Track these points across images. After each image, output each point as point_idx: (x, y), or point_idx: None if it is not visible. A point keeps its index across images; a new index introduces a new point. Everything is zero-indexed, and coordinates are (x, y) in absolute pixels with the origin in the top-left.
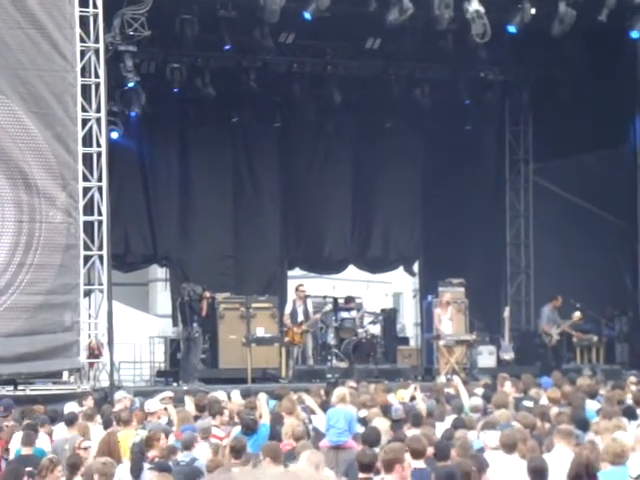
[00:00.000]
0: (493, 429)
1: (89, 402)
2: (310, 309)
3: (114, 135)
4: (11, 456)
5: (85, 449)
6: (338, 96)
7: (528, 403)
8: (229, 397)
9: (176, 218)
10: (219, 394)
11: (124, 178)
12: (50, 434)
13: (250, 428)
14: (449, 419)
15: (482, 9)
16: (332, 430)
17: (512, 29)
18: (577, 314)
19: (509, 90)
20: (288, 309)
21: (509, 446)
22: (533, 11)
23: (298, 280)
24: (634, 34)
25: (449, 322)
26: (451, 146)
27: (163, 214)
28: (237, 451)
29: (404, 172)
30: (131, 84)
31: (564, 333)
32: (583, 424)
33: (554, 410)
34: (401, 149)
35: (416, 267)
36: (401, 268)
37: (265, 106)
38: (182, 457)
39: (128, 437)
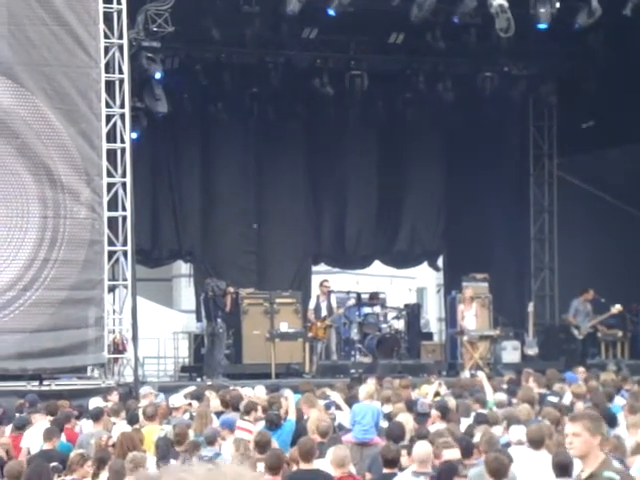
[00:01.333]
0: (517, 424)
1: (114, 397)
2: (334, 304)
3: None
4: (33, 451)
5: (113, 445)
6: (362, 90)
7: (553, 398)
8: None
9: (200, 214)
10: (246, 390)
11: (149, 173)
12: (75, 429)
13: (274, 423)
14: (474, 414)
15: (506, 3)
16: (358, 426)
17: (542, 25)
18: (617, 306)
19: (533, 85)
20: (312, 304)
21: (537, 442)
22: (558, 5)
23: (322, 275)
24: None
25: (473, 317)
26: (475, 141)
27: (187, 210)
28: (262, 446)
29: (428, 167)
30: (157, 76)
31: (594, 327)
32: (610, 419)
33: (579, 405)
34: (425, 144)
35: (440, 262)
36: (425, 263)
37: (289, 101)
38: (206, 452)
39: (153, 432)
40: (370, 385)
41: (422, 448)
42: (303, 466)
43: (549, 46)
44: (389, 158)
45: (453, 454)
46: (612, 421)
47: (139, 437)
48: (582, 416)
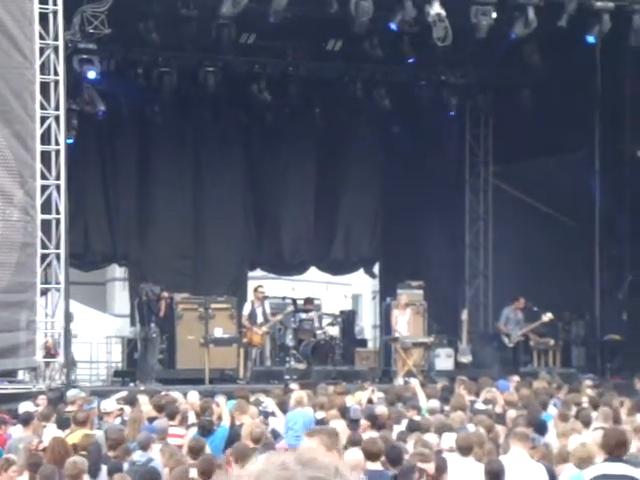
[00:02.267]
0: (450, 431)
1: (42, 401)
2: (268, 310)
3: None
4: None
5: (43, 450)
6: (300, 97)
7: (482, 406)
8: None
9: (136, 218)
10: (175, 394)
11: (83, 176)
12: (6, 434)
13: (206, 429)
14: (406, 422)
15: (443, 12)
16: (290, 432)
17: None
18: (548, 315)
19: (469, 93)
20: (246, 310)
21: (465, 449)
22: (495, 15)
23: (257, 281)
24: (590, 39)
25: (406, 324)
26: (411, 148)
27: (123, 213)
28: (195, 452)
29: (365, 174)
30: (91, 77)
31: (524, 335)
32: (540, 427)
33: (511, 413)
34: (362, 151)
35: (376, 269)
36: (361, 270)
37: (227, 106)
38: (138, 457)
39: (82, 437)
40: (300, 392)
41: (353, 455)
42: (237, 471)
43: (486, 55)
44: (327, 165)
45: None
46: (542, 429)
47: (63, 442)
48: (320, 431)
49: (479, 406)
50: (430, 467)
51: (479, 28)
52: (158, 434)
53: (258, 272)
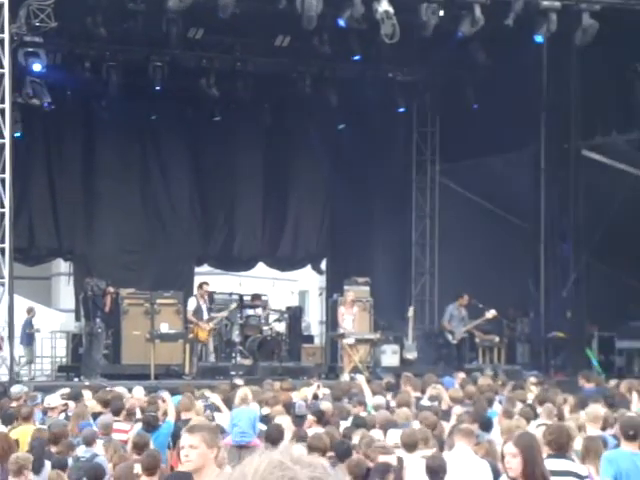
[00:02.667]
0: (394, 428)
1: None
2: (209, 307)
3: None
4: None
5: None
6: (248, 92)
7: (427, 402)
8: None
9: (81, 212)
10: (120, 390)
11: (28, 170)
12: None
13: (151, 424)
14: (352, 418)
15: (392, 10)
16: (235, 429)
17: (424, 33)
18: (492, 312)
19: (416, 91)
20: (192, 306)
21: (410, 445)
22: (442, 13)
23: (204, 277)
24: (538, 39)
25: (352, 321)
26: (359, 145)
27: (68, 208)
28: (140, 447)
29: (313, 170)
30: (37, 70)
31: (468, 332)
32: (485, 424)
33: (456, 409)
34: (310, 147)
35: (324, 265)
36: (309, 266)
37: (173, 100)
38: (82, 453)
39: (27, 432)
40: (244, 390)
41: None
42: (181, 468)
43: (433, 53)
44: (274, 160)
45: (389, 460)
46: (488, 426)
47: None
48: (200, 427)
49: (425, 402)
50: (393, 459)
51: (427, 26)
52: (102, 429)
53: (205, 268)
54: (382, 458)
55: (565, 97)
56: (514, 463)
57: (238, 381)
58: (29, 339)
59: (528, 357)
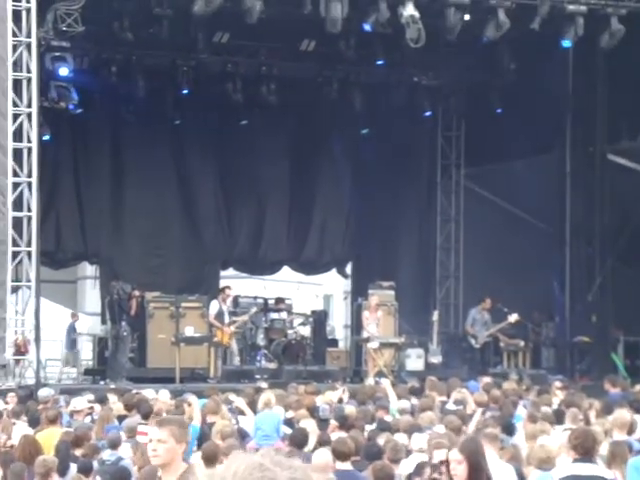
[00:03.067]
0: (419, 432)
1: (12, 399)
2: (231, 311)
3: (45, 135)
4: None
5: (11, 447)
6: (273, 97)
7: (452, 407)
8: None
9: (108, 216)
10: (147, 392)
11: (55, 174)
12: None
13: None
14: (377, 422)
15: (417, 14)
16: (259, 432)
17: (449, 37)
18: (515, 316)
19: (442, 95)
20: (214, 309)
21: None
22: (467, 17)
23: (229, 280)
24: (565, 43)
25: (376, 325)
26: (384, 150)
27: (94, 211)
28: None
29: (338, 174)
30: (65, 77)
31: (492, 336)
32: (509, 428)
33: (476, 414)
34: (335, 151)
35: (349, 269)
36: (334, 270)
37: (199, 105)
38: (107, 456)
39: (53, 435)
40: (267, 394)
41: (322, 456)
42: (207, 471)
43: (458, 57)
44: (300, 164)
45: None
46: (511, 430)
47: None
48: (169, 421)
49: (450, 407)
50: (444, 453)
51: (452, 30)
52: (127, 432)
53: (230, 271)
54: (339, 466)
55: (591, 101)
56: (459, 470)
57: (263, 384)
58: (73, 344)
59: (553, 361)
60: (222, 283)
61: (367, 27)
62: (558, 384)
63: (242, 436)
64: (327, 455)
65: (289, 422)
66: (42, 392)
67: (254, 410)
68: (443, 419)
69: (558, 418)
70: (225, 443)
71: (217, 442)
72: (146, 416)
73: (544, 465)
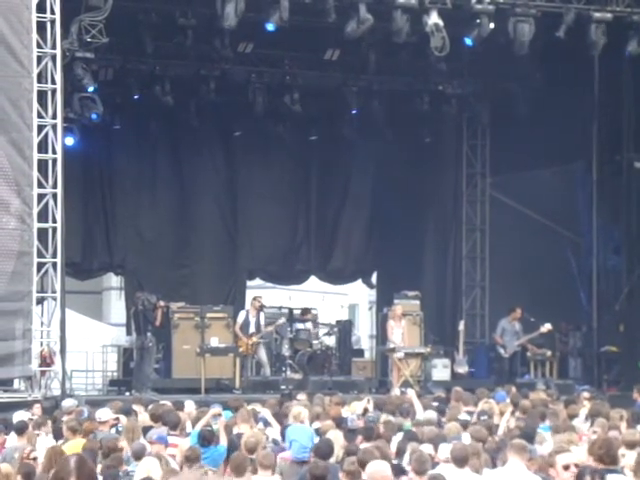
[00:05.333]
0: (444, 442)
1: (37, 410)
2: (262, 322)
3: (69, 141)
4: None
5: (34, 459)
6: (297, 106)
7: (481, 417)
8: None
9: (132, 227)
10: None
11: (81, 185)
12: (3, 443)
13: (206, 439)
14: (402, 433)
15: (441, 22)
16: (295, 445)
17: (469, 42)
18: (547, 326)
19: (467, 103)
20: (240, 319)
21: (460, 460)
22: (492, 25)
23: (255, 290)
24: (593, 52)
25: (401, 334)
26: (409, 159)
27: (119, 222)
28: (191, 461)
29: (363, 183)
30: (90, 89)
31: (521, 346)
32: (531, 439)
33: (509, 423)
34: (360, 161)
35: (374, 279)
36: (359, 280)
37: (223, 115)
38: (133, 468)
39: (77, 447)
40: (298, 408)
41: (378, 467)
42: None
43: (483, 66)
44: (324, 174)
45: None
46: (532, 440)
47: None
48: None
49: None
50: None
51: (476, 38)
52: (158, 443)
53: (256, 281)
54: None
55: (617, 109)
56: None
57: (300, 396)
58: None
59: (580, 371)
60: (248, 293)
61: (395, 38)
62: (586, 394)
63: (274, 447)
64: (385, 466)
65: (316, 433)
66: (66, 403)
67: (279, 421)
68: (468, 429)
69: (585, 428)
70: (251, 454)
71: (244, 453)
72: (174, 427)
73: None
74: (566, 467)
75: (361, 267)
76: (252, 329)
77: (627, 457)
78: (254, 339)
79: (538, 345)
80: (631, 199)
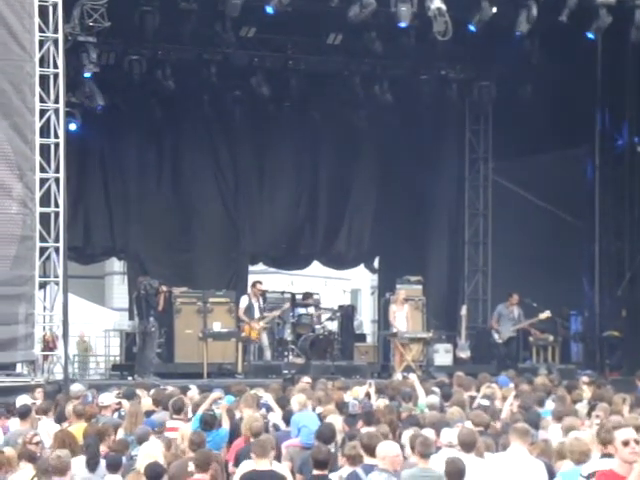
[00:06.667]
0: (447, 427)
1: (39, 394)
2: (263, 306)
3: (72, 127)
4: None
5: (37, 444)
6: (300, 91)
7: (484, 402)
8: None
9: (135, 211)
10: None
11: (83, 170)
12: (3, 426)
13: (209, 424)
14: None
15: (444, 7)
16: (305, 430)
17: (472, 27)
18: (546, 313)
19: (469, 88)
20: (243, 304)
21: (468, 444)
22: (494, 10)
23: (257, 275)
24: (590, 35)
25: (404, 319)
26: (411, 143)
27: (122, 207)
28: (197, 445)
29: (365, 168)
30: (88, 74)
31: (520, 331)
32: (535, 423)
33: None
34: (361, 146)
35: (377, 264)
36: (362, 265)
37: (225, 99)
38: (136, 452)
39: (81, 430)
40: (301, 395)
41: (389, 447)
42: (259, 465)
43: (485, 50)
44: (326, 159)
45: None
46: (537, 425)
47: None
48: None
49: (482, 402)
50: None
51: (479, 23)
52: (157, 427)
53: (257, 266)
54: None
55: (620, 93)
56: None
57: (306, 379)
58: None
59: (582, 356)
60: (250, 278)
61: (399, 24)
62: (585, 379)
63: (275, 431)
64: (395, 446)
65: (318, 418)
66: (74, 387)
67: (282, 406)
68: (469, 414)
69: (589, 413)
70: (255, 437)
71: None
72: (178, 411)
73: (581, 458)
74: (625, 443)
75: (363, 252)
76: (257, 314)
77: None
78: (262, 324)
79: (540, 330)
80: (633, 184)
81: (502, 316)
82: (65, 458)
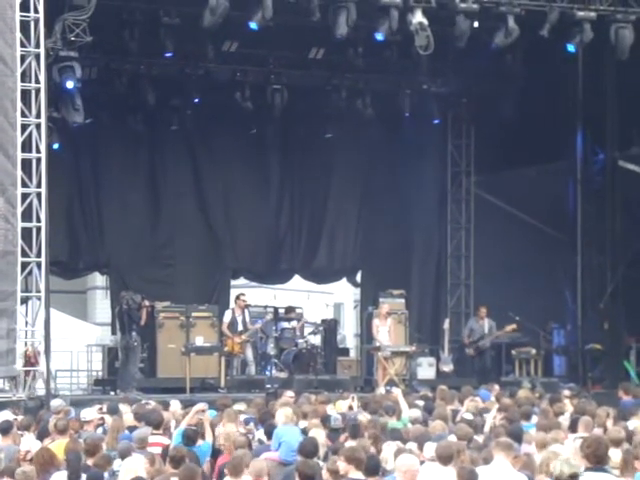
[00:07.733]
0: (428, 440)
1: (17, 411)
2: (247, 319)
3: (55, 146)
4: None
5: (31, 460)
6: (282, 105)
7: (467, 415)
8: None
9: (117, 226)
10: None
11: (65, 184)
12: None
13: (190, 439)
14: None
15: (425, 21)
16: (284, 446)
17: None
18: (512, 326)
19: (451, 102)
20: (227, 318)
21: (445, 458)
22: (476, 24)
23: (239, 289)
24: (570, 48)
25: (387, 333)
26: (393, 157)
27: (104, 222)
28: (177, 461)
29: (347, 182)
30: (70, 89)
31: (496, 344)
32: (518, 437)
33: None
34: (344, 160)
35: (359, 278)
36: (344, 279)
37: (209, 114)
38: (118, 467)
39: (63, 446)
40: (287, 409)
41: (408, 461)
42: None
43: (467, 64)
44: (309, 173)
45: None
46: (519, 439)
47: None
48: None
49: (466, 415)
50: None
51: (461, 37)
52: (137, 443)
53: (239, 281)
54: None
55: (601, 107)
56: None
57: (289, 393)
58: None
59: (565, 369)
60: (233, 292)
61: (379, 36)
62: (567, 392)
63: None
64: (415, 460)
65: (302, 432)
66: (54, 402)
67: (265, 420)
68: (452, 428)
69: (571, 426)
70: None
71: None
72: (157, 426)
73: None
74: None
75: (346, 266)
76: (240, 327)
77: (613, 455)
78: (243, 337)
79: (523, 343)
80: (615, 197)
81: (473, 330)
82: (30, 473)
